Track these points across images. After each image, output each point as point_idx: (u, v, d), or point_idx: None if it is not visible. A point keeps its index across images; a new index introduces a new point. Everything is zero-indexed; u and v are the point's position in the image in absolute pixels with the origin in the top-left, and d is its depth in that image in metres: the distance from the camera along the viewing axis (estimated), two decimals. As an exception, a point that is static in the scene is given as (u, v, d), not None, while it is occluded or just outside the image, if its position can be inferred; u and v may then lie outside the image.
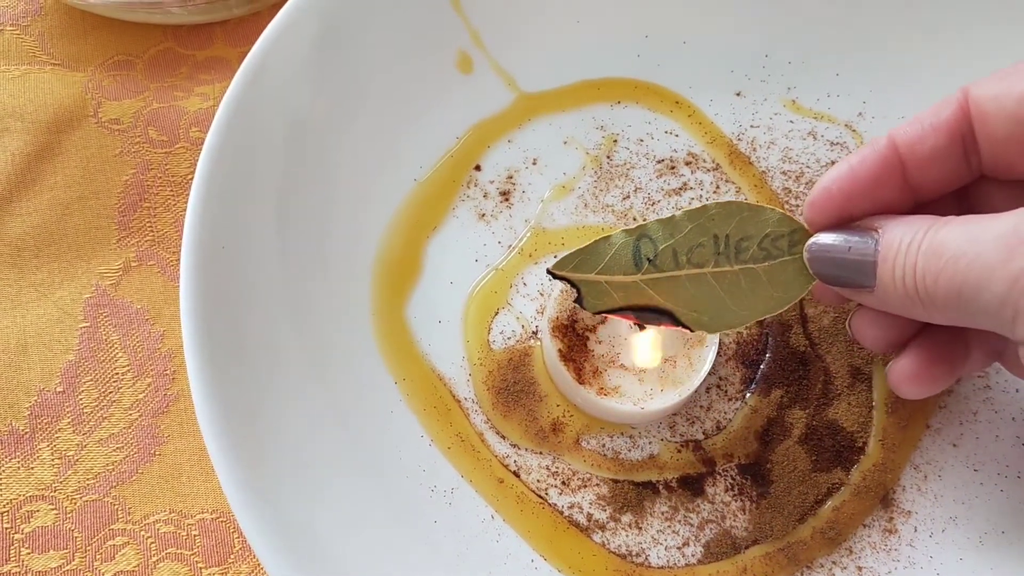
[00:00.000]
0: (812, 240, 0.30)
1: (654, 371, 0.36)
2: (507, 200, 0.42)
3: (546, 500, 0.36)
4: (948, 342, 0.32)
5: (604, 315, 0.36)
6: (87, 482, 0.38)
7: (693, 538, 0.36)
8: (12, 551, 0.37)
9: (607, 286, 0.32)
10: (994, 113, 0.28)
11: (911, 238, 0.27)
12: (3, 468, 0.38)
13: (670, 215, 0.32)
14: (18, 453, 0.38)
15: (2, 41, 0.47)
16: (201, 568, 0.37)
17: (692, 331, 0.32)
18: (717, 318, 0.32)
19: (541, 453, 0.37)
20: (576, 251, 0.33)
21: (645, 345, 0.37)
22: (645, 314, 0.32)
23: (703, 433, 0.38)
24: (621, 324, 0.37)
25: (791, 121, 0.43)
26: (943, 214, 0.28)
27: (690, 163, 0.43)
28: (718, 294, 0.32)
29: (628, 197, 0.42)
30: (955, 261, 0.25)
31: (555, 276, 0.33)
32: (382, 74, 0.41)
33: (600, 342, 0.37)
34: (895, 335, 0.32)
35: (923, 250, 0.26)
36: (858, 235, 0.29)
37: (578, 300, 0.33)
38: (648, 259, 0.32)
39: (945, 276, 0.26)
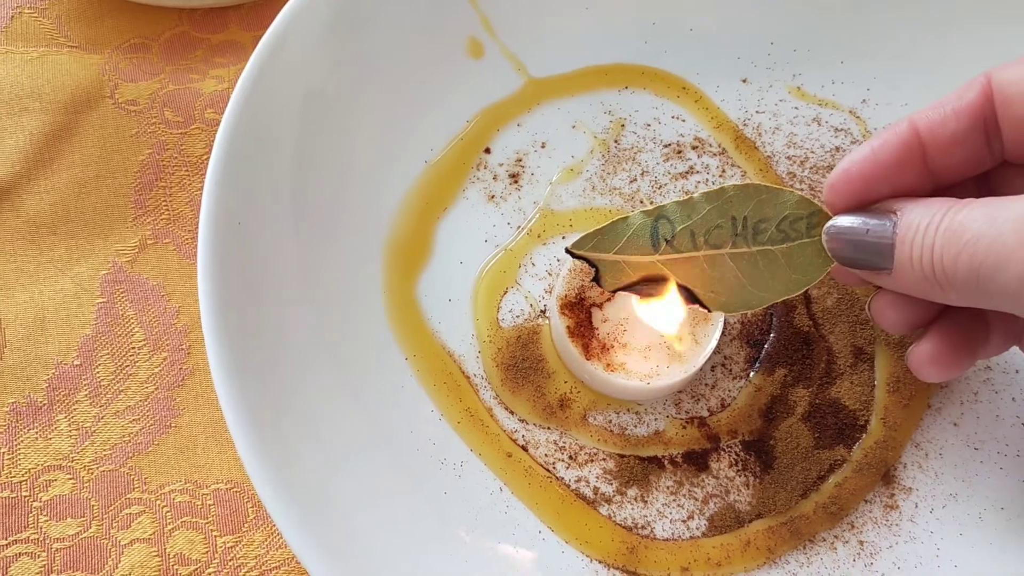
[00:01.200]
0: (830, 223, 0.30)
1: (660, 348, 0.37)
2: (516, 182, 0.43)
3: (553, 474, 0.37)
4: (968, 325, 0.32)
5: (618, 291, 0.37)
6: (104, 453, 0.39)
7: (697, 512, 0.37)
8: (31, 518, 0.38)
9: (625, 266, 0.33)
10: (1017, 97, 0.28)
11: (928, 220, 0.27)
12: (22, 439, 0.39)
13: (688, 196, 0.32)
14: (36, 424, 0.39)
15: (21, 24, 0.47)
16: (216, 536, 0.38)
17: (710, 311, 0.33)
18: (735, 299, 0.32)
19: (549, 428, 0.38)
20: (595, 231, 0.33)
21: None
22: (662, 284, 0.33)
23: (708, 410, 0.38)
24: (629, 302, 0.38)
25: (796, 107, 0.44)
26: (962, 198, 0.28)
27: (696, 147, 0.43)
28: (736, 275, 0.32)
29: (635, 180, 0.43)
30: (974, 242, 0.25)
31: (574, 255, 0.33)
32: (394, 58, 0.42)
33: (607, 320, 0.38)
34: (915, 318, 0.33)
35: (941, 232, 0.26)
36: (876, 218, 0.29)
37: (596, 279, 0.33)
38: (666, 239, 0.32)
39: (964, 257, 0.26)
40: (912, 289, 0.29)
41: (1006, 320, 0.32)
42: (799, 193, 0.31)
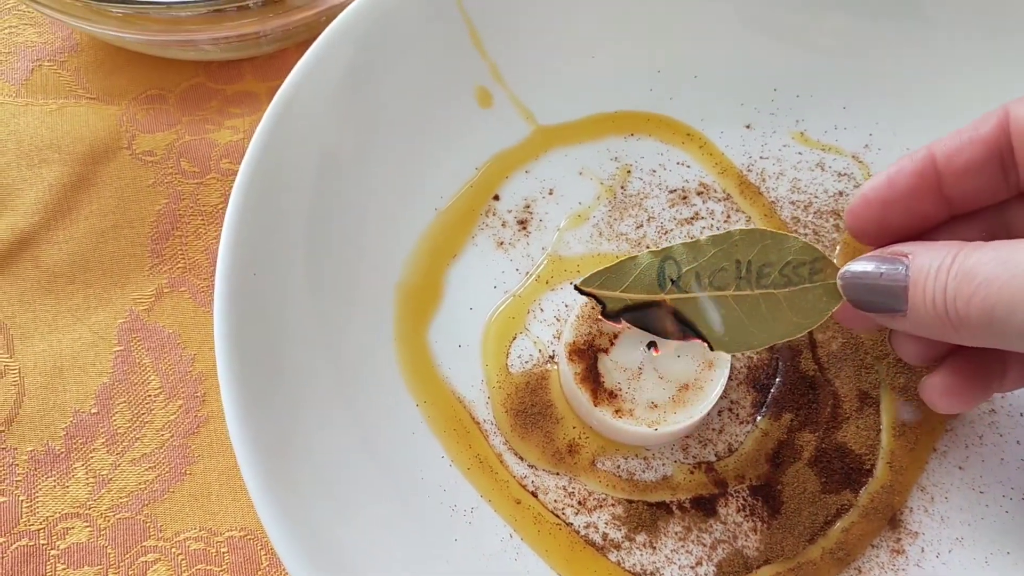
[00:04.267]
0: (845, 268, 0.31)
1: (667, 395, 0.38)
2: (524, 229, 0.43)
3: (563, 520, 0.38)
4: (983, 359, 0.33)
5: (617, 335, 0.38)
6: (120, 500, 0.39)
7: (706, 557, 0.37)
8: (48, 566, 0.38)
9: (631, 303, 0.34)
10: None
11: (939, 263, 0.28)
12: (40, 487, 0.40)
13: (695, 240, 0.33)
14: (54, 472, 0.40)
15: (40, 76, 0.49)
16: (230, 584, 0.38)
17: (712, 348, 0.33)
18: (736, 339, 0.33)
19: (558, 474, 0.38)
20: (603, 269, 0.34)
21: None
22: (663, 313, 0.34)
23: (715, 455, 0.39)
24: (637, 348, 0.38)
25: (799, 153, 0.45)
26: (981, 228, 0.29)
27: (701, 193, 0.44)
28: (738, 316, 0.33)
29: (641, 226, 0.43)
30: (987, 284, 0.26)
31: (582, 292, 0.34)
32: (406, 108, 0.42)
33: (615, 366, 0.38)
34: (935, 350, 0.33)
35: (953, 274, 0.27)
36: (888, 262, 0.30)
37: (603, 313, 0.34)
38: (672, 280, 0.33)
39: (977, 299, 0.26)
40: (926, 331, 0.29)
41: None
42: (803, 240, 0.32)
